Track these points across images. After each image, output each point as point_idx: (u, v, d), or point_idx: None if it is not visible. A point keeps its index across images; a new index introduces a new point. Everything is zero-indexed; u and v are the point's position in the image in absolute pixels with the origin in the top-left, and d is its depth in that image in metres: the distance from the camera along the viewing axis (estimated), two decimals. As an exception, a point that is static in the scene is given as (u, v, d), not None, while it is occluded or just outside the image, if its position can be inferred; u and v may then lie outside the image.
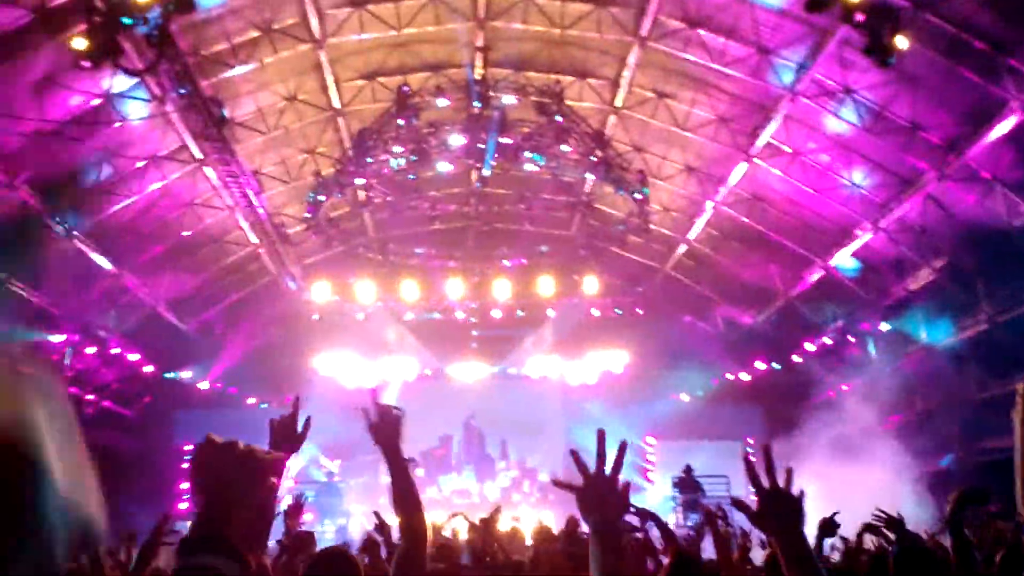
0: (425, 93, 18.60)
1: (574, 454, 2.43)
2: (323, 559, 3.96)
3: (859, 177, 18.28)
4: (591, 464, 2.29)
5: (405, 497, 3.28)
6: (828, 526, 6.23)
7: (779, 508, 2.21)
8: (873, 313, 20.92)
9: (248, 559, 1.57)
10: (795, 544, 2.21)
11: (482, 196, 22.83)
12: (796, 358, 23.77)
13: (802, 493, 2.29)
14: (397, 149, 18.51)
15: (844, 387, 22.88)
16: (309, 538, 6.05)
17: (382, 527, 8.20)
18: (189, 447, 25.14)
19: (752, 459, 2.27)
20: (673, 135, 20.03)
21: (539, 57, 19.07)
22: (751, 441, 25.91)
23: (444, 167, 19.31)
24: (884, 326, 20.71)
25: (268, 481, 1.67)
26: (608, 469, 2.26)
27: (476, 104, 17.94)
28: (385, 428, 3.36)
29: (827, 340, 22.53)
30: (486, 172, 19.70)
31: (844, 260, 20.65)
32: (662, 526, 6.43)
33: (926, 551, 5.31)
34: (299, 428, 3.29)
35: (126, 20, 11.47)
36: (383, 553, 7.60)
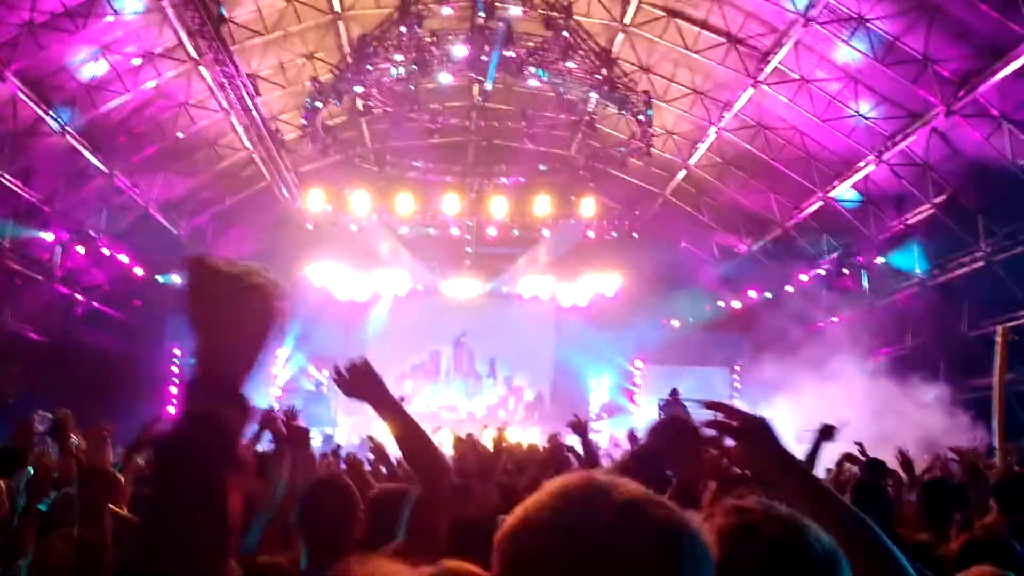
0: (429, 0, 18.13)
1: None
2: (321, 489, 3.86)
3: (866, 108, 18.00)
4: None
5: (409, 441, 3.10)
6: (827, 431, 6.27)
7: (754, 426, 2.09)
8: (869, 246, 20.86)
9: (249, 403, 1.45)
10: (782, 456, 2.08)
11: (483, 111, 22.48)
12: (789, 288, 23.76)
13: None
14: (398, 58, 18.08)
15: (835, 319, 22.97)
16: (306, 434, 6.05)
17: (377, 450, 8.27)
18: (178, 351, 25.30)
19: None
20: (681, 56, 19.66)
21: (548, -32, 18.56)
22: (738, 368, 26.23)
23: (445, 79, 18.94)
24: (879, 259, 20.65)
25: (272, 316, 1.47)
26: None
27: (481, 14, 17.45)
28: (354, 379, 3.15)
29: (821, 271, 22.50)
30: (488, 86, 19.32)
31: (844, 192, 20.50)
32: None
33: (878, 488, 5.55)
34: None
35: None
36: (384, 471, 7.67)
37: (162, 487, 1.42)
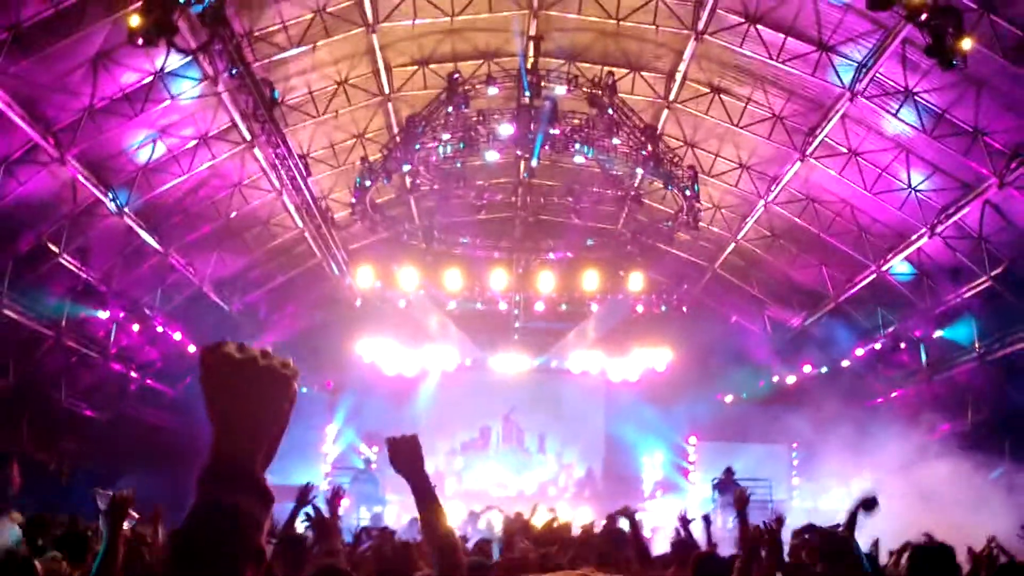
0: (475, 81, 18.46)
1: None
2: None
3: (917, 180, 17.79)
4: None
5: (433, 526, 3.28)
6: (868, 503, 6.05)
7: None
8: (926, 320, 20.41)
9: (269, 491, 1.43)
10: None
11: (529, 187, 22.66)
12: (845, 363, 23.29)
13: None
14: (445, 136, 18.38)
15: (893, 394, 22.42)
16: (331, 526, 6.04)
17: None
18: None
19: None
20: (727, 131, 19.70)
21: (593, 48, 18.84)
22: (796, 445, 25.58)
23: (492, 156, 19.14)
24: (937, 333, 20.18)
25: (288, 401, 1.48)
26: None
27: (527, 94, 17.74)
28: (403, 452, 3.28)
29: (877, 346, 22.03)
30: (534, 163, 19.52)
31: (897, 265, 20.16)
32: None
33: None
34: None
35: (180, -2, 11.47)
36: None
37: None
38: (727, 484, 21.26)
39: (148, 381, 22.89)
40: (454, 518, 12.77)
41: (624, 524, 7.06)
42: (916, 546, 6.50)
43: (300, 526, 7.46)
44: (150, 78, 15.54)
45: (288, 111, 18.37)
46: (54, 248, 17.34)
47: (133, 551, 5.54)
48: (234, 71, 14.75)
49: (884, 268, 20.34)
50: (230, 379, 1.44)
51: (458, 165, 20.14)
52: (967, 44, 11.62)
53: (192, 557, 1.37)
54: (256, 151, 18.63)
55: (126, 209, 17.80)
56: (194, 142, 18.00)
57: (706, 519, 8.62)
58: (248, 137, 18.15)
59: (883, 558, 8.15)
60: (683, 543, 7.71)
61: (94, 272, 19.05)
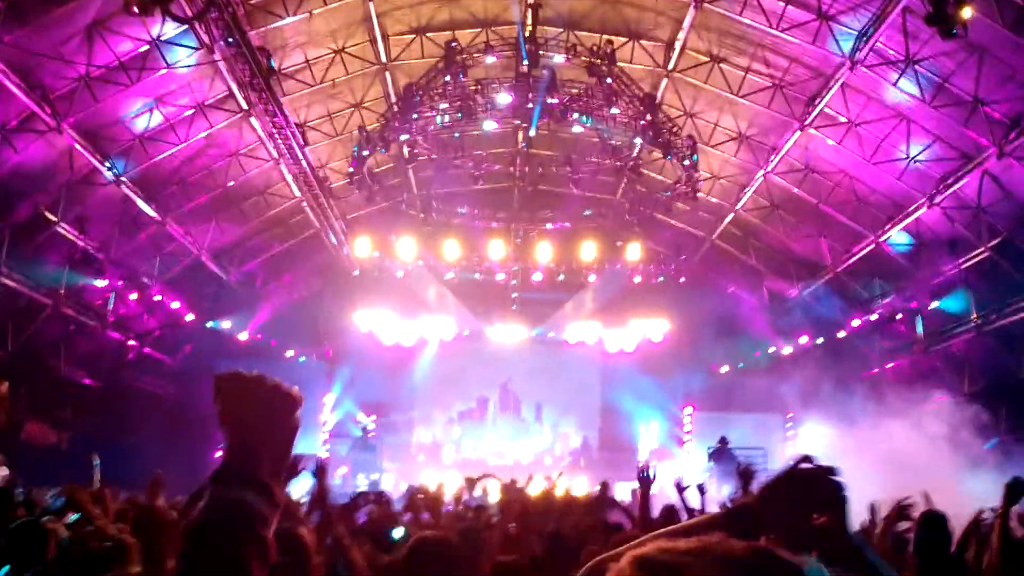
0: (473, 50, 18.34)
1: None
2: (422, 548, 3.94)
3: (916, 151, 17.74)
4: None
5: None
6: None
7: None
8: (922, 291, 20.43)
9: (277, 494, 1.61)
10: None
11: (527, 157, 22.58)
12: (841, 333, 23.35)
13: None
14: (443, 106, 18.30)
15: (890, 364, 22.49)
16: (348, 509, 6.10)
17: (425, 498, 8.36)
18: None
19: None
20: (726, 101, 19.61)
21: (591, 16, 18.69)
22: (791, 414, 25.74)
23: (490, 126, 19.08)
24: (934, 304, 20.20)
25: (293, 417, 1.68)
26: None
27: (525, 62, 17.63)
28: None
29: (874, 317, 22.06)
30: (532, 133, 19.45)
31: (895, 235, 20.15)
32: None
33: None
34: None
35: (175, -35, 11.37)
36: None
37: (189, 571, 1.56)
38: (722, 453, 21.42)
39: (146, 350, 22.93)
40: (451, 486, 12.89)
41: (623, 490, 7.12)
42: (928, 511, 6.56)
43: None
44: (146, 46, 15.44)
45: (285, 80, 18.26)
46: (52, 217, 17.32)
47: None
48: (230, 40, 14.65)
49: (882, 239, 20.34)
50: (240, 395, 1.65)
51: (456, 135, 20.05)
52: (967, 13, 11.56)
53: (201, 542, 1.54)
54: (253, 120, 18.51)
55: (123, 178, 17.76)
56: (191, 111, 17.92)
57: (700, 488, 8.68)
58: (245, 106, 18.02)
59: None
60: (673, 508, 7.80)
61: (92, 241, 19.04)
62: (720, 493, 18.80)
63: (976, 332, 19.15)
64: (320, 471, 6.72)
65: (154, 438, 19.45)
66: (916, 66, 15.68)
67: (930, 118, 16.72)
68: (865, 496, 6.10)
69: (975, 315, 19.12)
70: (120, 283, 20.13)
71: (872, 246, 20.76)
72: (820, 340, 24.21)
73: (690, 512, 7.84)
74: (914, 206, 18.66)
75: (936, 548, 5.53)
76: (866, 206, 20.15)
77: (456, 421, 26.37)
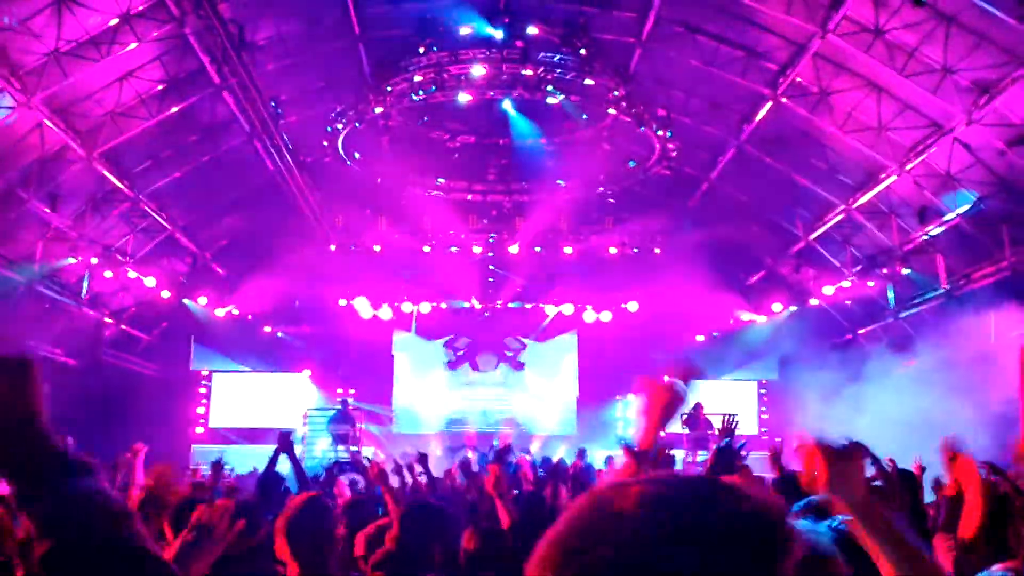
0: (448, 20, 18.27)
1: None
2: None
3: (886, 119, 17.92)
4: None
5: None
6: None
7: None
8: (893, 258, 20.70)
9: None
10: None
11: (503, 129, 22.54)
12: (813, 301, 23.66)
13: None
14: (417, 79, 18.23)
15: (861, 331, 22.81)
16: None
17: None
18: (205, 372, 25.58)
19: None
20: (699, 71, 19.64)
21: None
22: (764, 381, 26.14)
23: (464, 98, 19.05)
24: (904, 271, 20.48)
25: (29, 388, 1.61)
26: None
27: (500, 32, 17.61)
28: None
29: (845, 284, 22.35)
30: (507, 104, 19.45)
31: (866, 203, 20.37)
32: None
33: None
34: None
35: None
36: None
37: None
38: (695, 419, 21.66)
39: (122, 327, 22.85)
40: (433, 452, 13.04)
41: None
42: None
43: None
44: (115, 20, 15.27)
45: (258, 53, 18.11)
46: (23, 194, 17.16)
47: None
48: (200, 12, 14.54)
49: (853, 206, 20.55)
50: None
51: (431, 107, 20.00)
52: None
53: None
54: (225, 94, 18.40)
55: (95, 154, 17.62)
56: (162, 86, 17.75)
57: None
58: (217, 80, 17.91)
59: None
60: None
61: (64, 219, 18.90)
62: (696, 458, 19.13)
63: (946, 298, 19.47)
64: (283, 441, 6.83)
65: (131, 415, 19.50)
66: (886, 35, 15.82)
67: (900, 86, 16.86)
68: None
69: (945, 282, 19.43)
70: (94, 260, 19.99)
71: (843, 214, 20.99)
72: (793, 308, 24.53)
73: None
74: (884, 174, 18.87)
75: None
76: (837, 175, 20.33)
77: (435, 388, 26.63)
